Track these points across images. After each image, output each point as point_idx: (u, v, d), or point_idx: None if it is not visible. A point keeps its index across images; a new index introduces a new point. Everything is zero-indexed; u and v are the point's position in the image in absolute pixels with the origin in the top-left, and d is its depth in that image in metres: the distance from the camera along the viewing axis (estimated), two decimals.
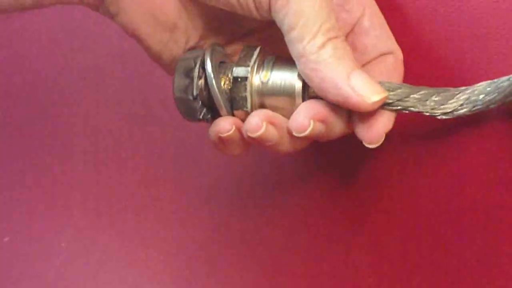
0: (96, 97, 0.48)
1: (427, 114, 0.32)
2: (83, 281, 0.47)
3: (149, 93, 0.46)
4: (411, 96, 0.32)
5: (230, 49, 0.36)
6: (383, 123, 0.31)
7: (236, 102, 0.33)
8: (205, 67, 0.33)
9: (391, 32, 0.34)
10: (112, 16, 0.34)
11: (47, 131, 0.49)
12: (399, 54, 0.34)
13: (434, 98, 0.32)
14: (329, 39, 0.30)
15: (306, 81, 0.31)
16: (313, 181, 0.41)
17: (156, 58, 0.36)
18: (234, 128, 0.32)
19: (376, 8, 0.34)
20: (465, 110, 0.32)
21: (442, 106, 0.32)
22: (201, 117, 0.34)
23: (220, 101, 0.33)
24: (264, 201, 0.42)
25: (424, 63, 0.36)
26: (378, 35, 0.33)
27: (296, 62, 0.31)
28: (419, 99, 0.32)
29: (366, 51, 0.33)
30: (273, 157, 0.42)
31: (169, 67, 0.36)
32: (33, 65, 0.50)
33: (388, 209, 0.38)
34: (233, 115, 0.33)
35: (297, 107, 0.32)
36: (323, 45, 0.29)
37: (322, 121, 0.31)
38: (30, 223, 0.49)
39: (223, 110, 0.33)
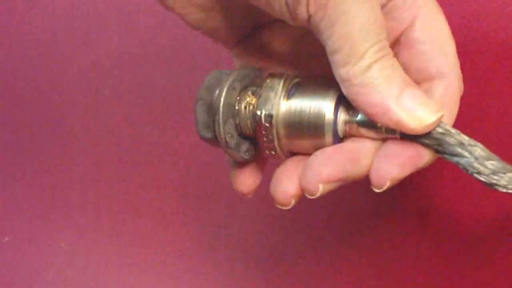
0: (96, 97, 0.48)
1: (482, 179, 0.27)
2: (83, 281, 0.47)
3: (148, 94, 0.46)
4: (470, 148, 0.27)
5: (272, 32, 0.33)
6: (394, 170, 0.27)
7: (262, 146, 0.30)
8: (216, 115, 0.30)
9: (452, 50, 0.29)
10: None
11: (47, 131, 0.49)
12: (453, 81, 0.29)
13: (494, 162, 0.27)
14: (376, 60, 0.26)
15: (354, 104, 0.27)
16: None
17: (194, 28, 0.33)
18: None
19: (434, 16, 0.29)
20: None
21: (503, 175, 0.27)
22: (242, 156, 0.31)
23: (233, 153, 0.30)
24: (264, 201, 0.42)
25: None
26: (427, 50, 0.29)
27: (340, 85, 0.27)
28: (477, 157, 0.27)
29: (409, 68, 0.29)
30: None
31: (209, 35, 0.33)
32: (33, 65, 0.50)
33: (393, 210, 0.38)
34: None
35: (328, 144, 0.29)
36: (369, 67, 0.26)
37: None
38: (30, 223, 0.49)
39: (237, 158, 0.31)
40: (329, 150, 0.28)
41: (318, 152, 0.29)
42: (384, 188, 0.28)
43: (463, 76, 0.30)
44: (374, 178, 0.28)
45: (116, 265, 0.46)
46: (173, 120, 0.45)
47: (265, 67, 0.33)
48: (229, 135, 0.30)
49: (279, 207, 0.29)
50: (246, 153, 0.31)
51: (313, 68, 0.32)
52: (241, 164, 0.32)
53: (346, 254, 0.40)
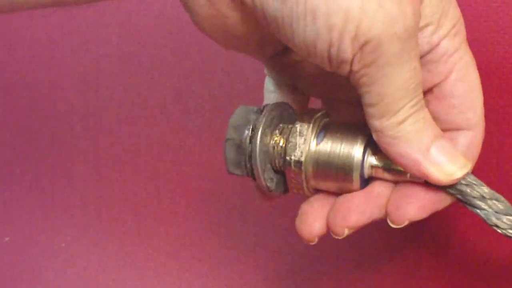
0: (96, 98, 0.48)
1: (499, 231, 0.28)
2: (83, 281, 0.47)
3: (148, 94, 0.46)
4: (490, 202, 0.28)
5: None
6: (413, 212, 0.28)
7: (290, 184, 0.31)
8: (252, 162, 0.30)
9: (480, 104, 0.30)
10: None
11: (47, 132, 0.49)
12: (478, 133, 0.30)
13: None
14: (410, 115, 0.27)
15: (384, 152, 0.28)
16: None
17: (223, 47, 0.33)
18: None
19: (468, 72, 0.29)
20: None
21: None
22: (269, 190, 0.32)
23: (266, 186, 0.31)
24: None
25: None
26: (456, 104, 0.29)
27: (372, 132, 0.28)
28: (496, 211, 0.28)
29: (438, 117, 0.29)
30: None
31: (239, 52, 0.33)
32: (33, 66, 0.50)
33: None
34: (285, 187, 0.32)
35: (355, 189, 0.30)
36: (402, 122, 0.27)
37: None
38: (30, 223, 0.49)
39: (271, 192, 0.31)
40: (358, 196, 0.29)
41: (349, 196, 0.30)
42: (402, 226, 0.28)
43: None
44: (393, 215, 0.29)
45: (116, 265, 0.46)
46: (173, 120, 0.45)
47: (294, 85, 0.34)
48: (269, 180, 0.31)
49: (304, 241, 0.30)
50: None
51: (340, 93, 0.33)
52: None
53: (347, 254, 0.40)
